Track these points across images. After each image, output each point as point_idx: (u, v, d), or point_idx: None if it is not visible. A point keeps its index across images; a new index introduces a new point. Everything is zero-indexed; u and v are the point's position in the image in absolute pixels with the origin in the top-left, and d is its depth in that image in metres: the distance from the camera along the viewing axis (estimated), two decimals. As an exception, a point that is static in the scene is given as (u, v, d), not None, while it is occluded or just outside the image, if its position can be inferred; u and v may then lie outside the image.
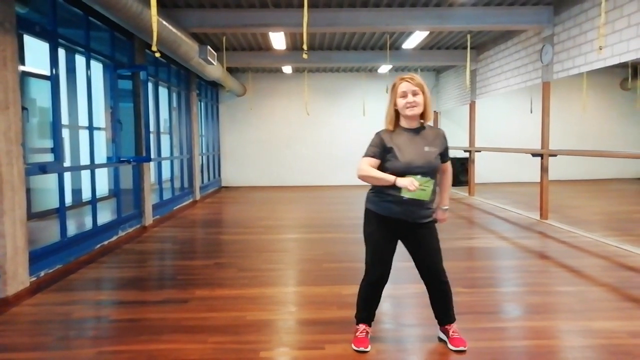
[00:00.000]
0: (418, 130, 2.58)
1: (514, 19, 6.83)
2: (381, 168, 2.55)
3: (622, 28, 5.30)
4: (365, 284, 2.72)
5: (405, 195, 2.45)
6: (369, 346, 2.67)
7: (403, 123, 2.58)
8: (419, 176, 2.45)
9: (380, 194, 2.59)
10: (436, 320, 2.80)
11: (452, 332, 2.73)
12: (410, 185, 2.38)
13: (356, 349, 2.66)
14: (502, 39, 8.57)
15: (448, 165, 2.74)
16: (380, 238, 2.63)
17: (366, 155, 2.58)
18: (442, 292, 2.70)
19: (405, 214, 2.54)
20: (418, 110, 2.51)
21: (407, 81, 2.51)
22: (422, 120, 2.60)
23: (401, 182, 2.42)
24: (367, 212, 2.68)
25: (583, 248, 5.17)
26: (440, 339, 2.79)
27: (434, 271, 2.65)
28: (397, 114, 2.57)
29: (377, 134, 2.61)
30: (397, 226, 2.60)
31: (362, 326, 2.75)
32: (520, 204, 8.48)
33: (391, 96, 2.56)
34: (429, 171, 2.51)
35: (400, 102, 2.51)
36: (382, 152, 2.54)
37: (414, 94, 2.49)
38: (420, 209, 2.54)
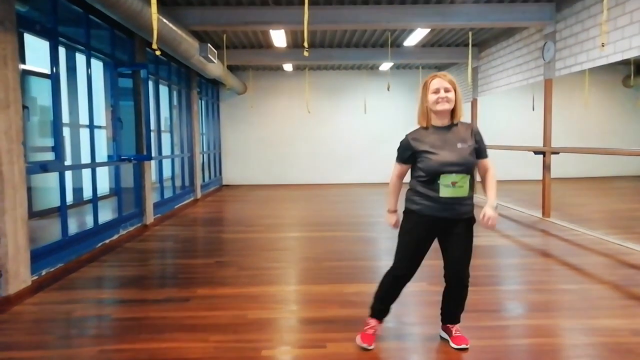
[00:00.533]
0: (449, 127, 2.55)
1: (515, 15, 6.80)
2: (414, 168, 2.58)
3: (625, 25, 5.27)
4: (389, 276, 2.69)
5: (444, 194, 2.47)
6: (373, 344, 2.66)
7: (434, 121, 2.55)
8: (454, 174, 2.45)
9: (418, 193, 2.56)
10: (440, 317, 2.79)
11: (455, 330, 2.72)
12: (391, 225, 2.65)
13: (360, 344, 2.65)
14: (503, 36, 8.54)
15: (488, 163, 2.64)
16: (416, 237, 2.59)
17: (397, 160, 2.65)
18: (460, 295, 2.69)
19: (446, 211, 2.50)
20: (449, 106, 2.49)
21: (439, 77, 2.51)
22: (453, 119, 2.56)
23: (387, 218, 2.70)
24: (407, 210, 2.63)
25: (585, 246, 5.16)
26: (442, 338, 2.79)
27: (460, 272, 2.61)
28: (428, 111, 2.56)
29: (406, 137, 2.60)
30: (437, 224, 2.56)
31: (372, 322, 2.72)
32: (523, 202, 8.47)
33: (422, 93, 2.55)
34: (465, 168, 2.48)
35: (432, 97, 2.49)
36: (410, 156, 2.56)
37: (446, 90, 2.48)
38: (460, 206, 2.52)
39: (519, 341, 2.82)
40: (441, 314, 2.78)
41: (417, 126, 2.62)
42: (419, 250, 2.62)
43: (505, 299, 3.61)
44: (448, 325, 2.76)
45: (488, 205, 2.56)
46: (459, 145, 2.49)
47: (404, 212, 2.66)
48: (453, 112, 2.55)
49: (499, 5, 6.73)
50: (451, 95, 2.49)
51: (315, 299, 3.58)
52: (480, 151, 2.58)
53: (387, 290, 2.71)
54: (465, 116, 9.40)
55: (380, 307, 2.73)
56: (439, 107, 2.48)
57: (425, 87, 2.53)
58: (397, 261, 2.66)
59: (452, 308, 2.73)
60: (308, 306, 3.44)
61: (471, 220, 2.60)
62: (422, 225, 2.57)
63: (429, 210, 2.53)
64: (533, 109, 10.44)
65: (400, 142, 2.61)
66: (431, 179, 2.49)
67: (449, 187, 2.46)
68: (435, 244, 2.66)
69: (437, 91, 2.48)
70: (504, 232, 6.06)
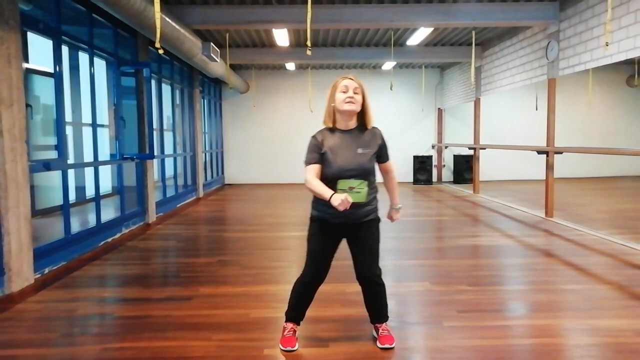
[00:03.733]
0: (353, 132, 2.57)
1: (519, 15, 6.78)
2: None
3: (629, 24, 5.25)
4: (298, 283, 2.73)
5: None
6: (296, 345, 2.67)
7: (339, 124, 2.56)
8: (352, 179, 2.47)
9: (319, 199, 2.60)
10: (371, 318, 2.80)
11: (382, 330, 2.73)
12: (341, 206, 2.32)
13: (283, 348, 2.66)
14: (507, 35, 8.51)
15: (390, 165, 2.68)
16: (319, 241, 2.63)
17: (307, 163, 2.55)
18: (376, 294, 2.71)
19: (343, 216, 2.53)
20: (356, 107, 2.50)
21: (349, 79, 2.53)
22: (361, 124, 2.58)
23: (334, 201, 2.37)
24: (311, 217, 2.67)
25: (589, 246, 5.14)
26: (373, 336, 2.79)
27: (368, 273, 2.64)
28: (334, 112, 2.55)
29: (314, 137, 2.59)
30: (338, 229, 2.60)
31: (290, 325, 2.75)
32: (526, 201, 8.45)
33: (330, 93, 2.54)
34: (362, 174, 2.49)
35: (340, 96, 2.49)
36: (319, 156, 2.54)
37: (355, 91, 2.50)
38: (359, 209, 2.53)
39: (521, 341, 2.81)
40: (368, 314, 2.79)
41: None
42: (323, 256, 2.65)
43: (508, 299, 3.60)
44: (376, 324, 2.77)
45: (392, 208, 2.67)
46: (359, 151, 2.51)
47: (309, 218, 2.69)
48: (361, 117, 2.56)
49: (502, 5, 6.71)
50: (358, 97, 2.50)
51: (317, 298, 3.53)
52: (381, 155, 2.61)
53: (298, 297, 2.74)
54: (468, 115, 9.35)
55: (295, 313, 2.76)
56: (346, 106, 2.48)
57: (334, 87, 2.54)
58: (304, 268, 2.70)
59: (373, 307, 2.75)
60: (310, 305, 3.43)
61: (374, 222, 2.63)
62: (322, 231, 2.61)
63: (327, 216, 2.57)
64: (536, 109, 10.40)
65: (309, 143, 2.58)
66: (330, 183, 2.49)
67: (346, 192, 2.47)
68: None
69: (345, 90, 2.49)
70: (506, 231, 6.05)
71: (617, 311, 3.24)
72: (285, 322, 2.78)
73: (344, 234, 2.63)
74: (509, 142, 11.19)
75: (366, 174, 2.51)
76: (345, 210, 2.41)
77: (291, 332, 2.72)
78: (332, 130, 2.57)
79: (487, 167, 11.41)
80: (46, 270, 4.20)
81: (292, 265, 4.53)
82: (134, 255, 5.05)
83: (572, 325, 3.05)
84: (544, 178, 7.03)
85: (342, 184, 2.48)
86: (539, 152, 7.05)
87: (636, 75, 11.74)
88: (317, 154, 2.54)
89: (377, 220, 2.66)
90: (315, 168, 2.54)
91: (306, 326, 3.05)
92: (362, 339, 2.80)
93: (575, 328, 3.00)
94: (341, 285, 3.82)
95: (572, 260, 4.58)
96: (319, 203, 2.60)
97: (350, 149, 2.51)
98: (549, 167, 6.91)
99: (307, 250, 2.70)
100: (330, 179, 2.50)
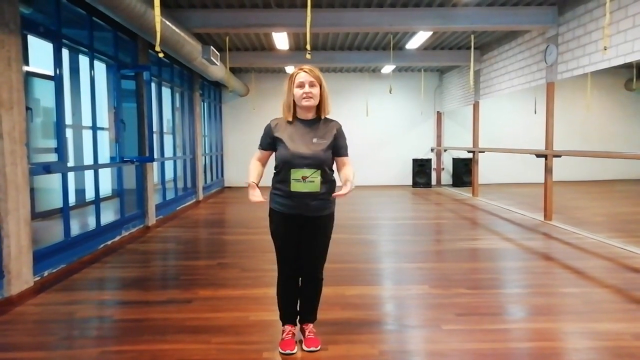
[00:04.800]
0: (312, 122, 2.58)
1: (518, 19, 6.81)
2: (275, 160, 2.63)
3: (627, 28, 5.27)
4: (278, 282, 2.76)
5: (294, 188, 2.50)
6: (295, 348, 2.67)
7: (300, 114, 2.58)
8: (305, 168, 2.48)
9: (275, 190, 2.62)
10: (298, 318, 2.81)
11: (309, 332, 2.75)
12: (251, 198, 2.53)
13: (282, 351, 2.66)
14: (506, 39, 8.55)
15: (346, 160, 2.64)
16: (282, 235, 2.64)
17: (259, 145, 2.67)
18: (314, 290, 2.73)
19: (299, 207, 2.54)
20: (313, 102, 2.52)
21: (305, 72, 2.51)
22: (319, 114, 2.59)
23: (249, 194, 2.56)
24: (269, 211, 2.66)
25: (587, 249, 5.15)
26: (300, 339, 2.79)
27: (312, 266, 2.67)
28: (295, 105, 2.56)
29: (270, 123, 2.64)
30: (296, 221, 2.60)
31: (287, 327, 2.76)
32: (524, 205, 8.45)
33: (288, 87, 2.55)
34: (315, 163, 2.50)
35: (297, 92, 2.50)
36: (270, 142, 2.60)
37: (311, 85, 2.50)
38: (313, 200, 2.53)
39: (520, 345, 2.81)
40: (299, 311, 2.79)
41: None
42: (290, 248, 2.65)
43: (506, 302, 3.60)
44: (304, 325, 2.77)
45: (344, 186, 2.54)
46: (315, 141, 2.53)
47: (269, 213, 2.68)
48: (319, 108, 2.57)
49: (501, 9, 6.74)
50: (316, 90, 2.50)
51: (316, 301, 3.57)
52: (339, 148, 2.61)
53: (282, 295, 2.76)
54: (467, 119, 9.34)
55: (285, 312, 2.77)
56: (305, 102, 2.50)
57: (291, 80, 2.53)
58: (278, 266, 2.73)
59: (307, 304, 2.76)
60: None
61: (329, 218, 2.65)
62: (282, 223, 2.62)
63: (284, 208, 2.58)
64: (535, 112, 10.43)
65: (264, 128, 2.64)
66: (284, 171, 2.53)
67: (300, 181, 2.49)
68: None
69: (302, 85, 2.49)
70: (505, 235, 6.05)
71: (616, 315, 3.24)
72: (282, 325, 2.79)
73: (301, 226, 2.62)
74: (508, 145, 11.20)
75: (319, 164, 2.51)
76: (299, 201, 2.49)
77: (290, 335, 2.73)
78: (291, 121, 2.58)
79: (486, 170, 11.42)
80: (46, 273, 4.20)
81: (292, 268, 4.53)
82: (134, 257, 5.05)
83: (571, 328, 3.05)
84: (543, 181, 7.04)
85: (296, 173, 2.50)
86: (538, 156, 7.07)
87: (634, 79, 11.78)
88: (267, 140, 2.61)
89: (332, 216, 2.67)
90: (261, 154, 2.67)
91: (305, 329, 3.06)
92: (361, 342, 2.80)
93: (573, 331, 3.01)
94: (341, 288, 3.82)
95: (571, 263, 4.58)
96: (277, 194, 2.60)
97: (307, 137, 2.53)
98: (548, 170, 6.93)
99: (275, 248, 2.71)
100: (284, 165, 2.53)
